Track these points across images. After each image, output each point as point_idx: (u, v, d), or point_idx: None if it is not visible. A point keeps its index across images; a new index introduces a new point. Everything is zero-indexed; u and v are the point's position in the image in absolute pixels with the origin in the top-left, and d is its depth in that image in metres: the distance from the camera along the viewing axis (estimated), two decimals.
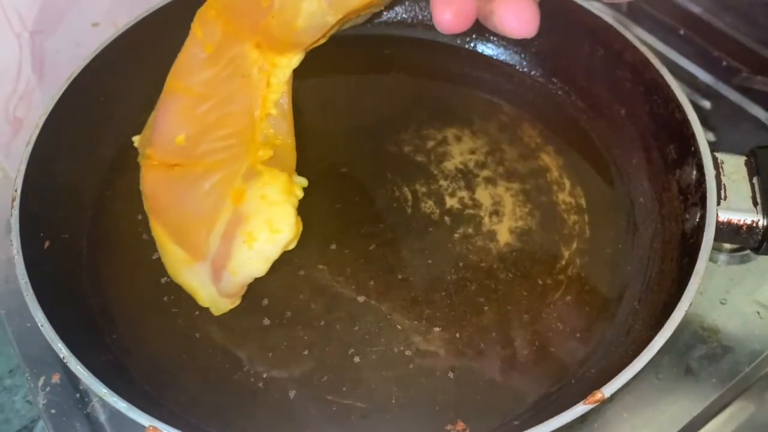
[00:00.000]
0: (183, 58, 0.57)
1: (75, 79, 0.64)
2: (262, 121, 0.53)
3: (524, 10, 0.42)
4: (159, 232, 0.53)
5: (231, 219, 0.49)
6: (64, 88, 0.63)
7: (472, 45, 0.76)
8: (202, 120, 0.53)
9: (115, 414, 0.57)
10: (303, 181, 0.53)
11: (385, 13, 0.79)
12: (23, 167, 0.58)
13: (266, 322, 0.57)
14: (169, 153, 0.52)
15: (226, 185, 0.50)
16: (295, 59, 0.54)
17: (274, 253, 0.49)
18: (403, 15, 0.79)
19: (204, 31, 0.56)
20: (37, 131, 0.60)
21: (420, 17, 0.78)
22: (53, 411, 0.57)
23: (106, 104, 0.68)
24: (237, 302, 0.53)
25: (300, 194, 0.51)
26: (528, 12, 0.42)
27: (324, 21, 0.52)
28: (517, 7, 0.42)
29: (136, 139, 0.60)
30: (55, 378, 0.58)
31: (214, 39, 0.55)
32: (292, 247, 0.50)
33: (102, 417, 0.57)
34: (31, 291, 0.51)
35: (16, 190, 0.56)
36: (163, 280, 0.59)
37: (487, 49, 0.76)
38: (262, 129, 0.52)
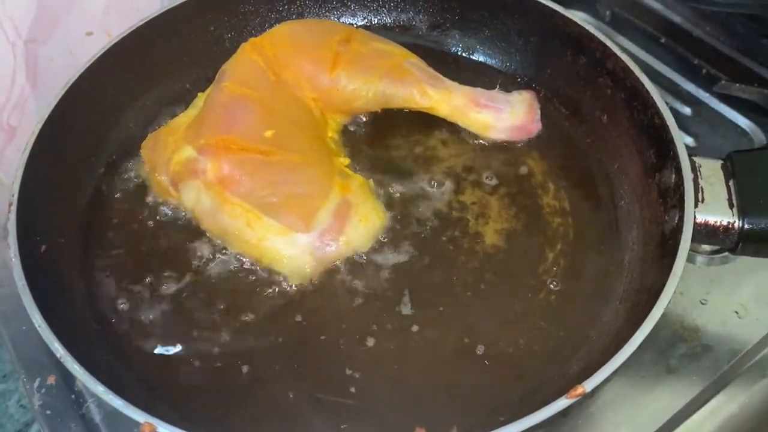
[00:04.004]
0: (242, 71, 0.66)
1: (71, 87, 0.65)
2: (327, 138, 0.68)
3: None
4: (239, 207, 0.60)
5: (341, 203, 0.60)
6: (60, 95, 0.64)
7: (458, 52, 0.78)
8: (285, 124, 0.64)
9: (109, 414, 0.58)
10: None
11: (373, 18, 0.81)
12: (20, 173, 0.59)
13: (261, 322, 0.58)
14: (259, 142, 0.62)
15: (328, 177, 0.62)
16: (346, 118, 0.71)
17: (378, 234, 0.62)
18: (391, 21, 0.81)
19: (265, 62, 0.67)
20: (33, 138, 0.61)
21: (408, 23, 0.80)
22: (48, 412, 0.58)
23: (101, 111, 0.69)
24: (315, 274, 0.60)
25: None
26: None
27: (377, 107, 0.70)
28: None
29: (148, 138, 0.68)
30: (51, 380, 0.59)
31: (276, 70, 0.67)
32: None
33: (97, 417, 0.58)
34: (28, 293, 0.52)
35: (13, 195, 0.57)
36: (157, 280, 0.60)
37: (473, 56, 0.78)
38: (328, 143, 0.67)
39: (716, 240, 0.56)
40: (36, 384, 0.59)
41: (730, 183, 0.56)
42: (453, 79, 0.70)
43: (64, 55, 0.84)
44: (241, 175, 0.60)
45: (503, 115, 0.69)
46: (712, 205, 0.55)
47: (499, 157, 0.69)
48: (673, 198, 0.57)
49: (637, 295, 0.57)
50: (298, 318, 0.58)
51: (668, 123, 0.59)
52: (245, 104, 0.64)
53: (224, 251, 0.62)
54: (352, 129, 0.71)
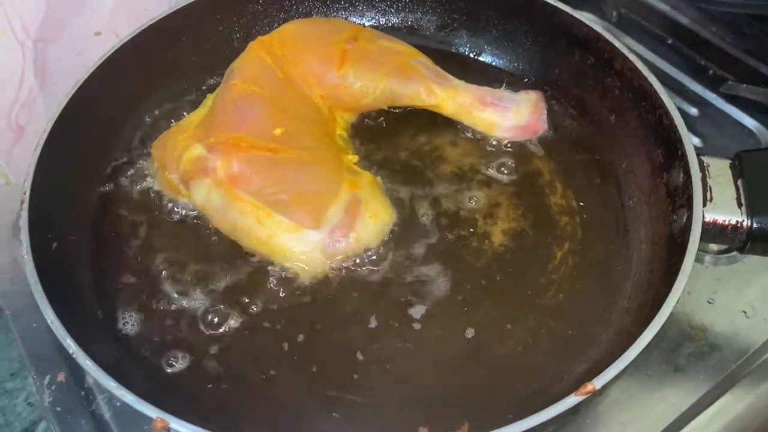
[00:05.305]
0: (251, 69, 0.67)
1: (81, 86, 0.65)
2: (335, 135, 0.68)
3: None
4: (249, 204, 0.60)
5: (351, 200, 0.61)
6: (70, 95, 0.64)
7: (466, 52, 0.79)
8: (294, 121, 0.65)
9: (119, 411, 0.58)
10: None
11: (381, 18, 0.81)
12: (31, 171, 0.59)
13: (270, 318, 0.59)
14: (268, 140, 0.62)
15: (337, 174, 0.62)
16: (354, 116, 0.71)
17: (387, 231, 0.62)
18: (399, 21, 0.81)
19: (273, 60, 0.67)
20: (44, 136, 0.61)
21: (416, 23, 0.81)
22: (58, 409, 0.58)
23: (111, 110, 0.69)
24: (325, 270, 0.61)
25: None
26: None
27: (385, 104, 0.71)
28: None
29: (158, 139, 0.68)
30: (60, 377, 0.60)
31: (284, 68, 0.68)
32: None
33: (107, 414, 0.58)
34: (40, 289, 0.52)
35: (25, 193, 0.58)
36: (167, 277, 0.61)
37: (480, 56, 0.78)
38: (336, 140, 0.67)
39: (724, 239, 0.56)
40: (46, 381, 0.60)
41: (739, 182, 0.56)
42: (460, 79, 0.70)
43: (73, 54, 0.85)
44: (251, 173, 0.60)
45: (508, 114, 0.69)
46: (721, 204, 0.55)
47: (507, 157, 0.69)
48: (681, 197, 0.57)
49: (645, 294, 0.57)
50: (308, 315, 0.59)
51: (676, 123, 0.59)
52: (254, 102, 0.64)
53: (234, 248, 0.62)
54: (360, 126, 0.71)
